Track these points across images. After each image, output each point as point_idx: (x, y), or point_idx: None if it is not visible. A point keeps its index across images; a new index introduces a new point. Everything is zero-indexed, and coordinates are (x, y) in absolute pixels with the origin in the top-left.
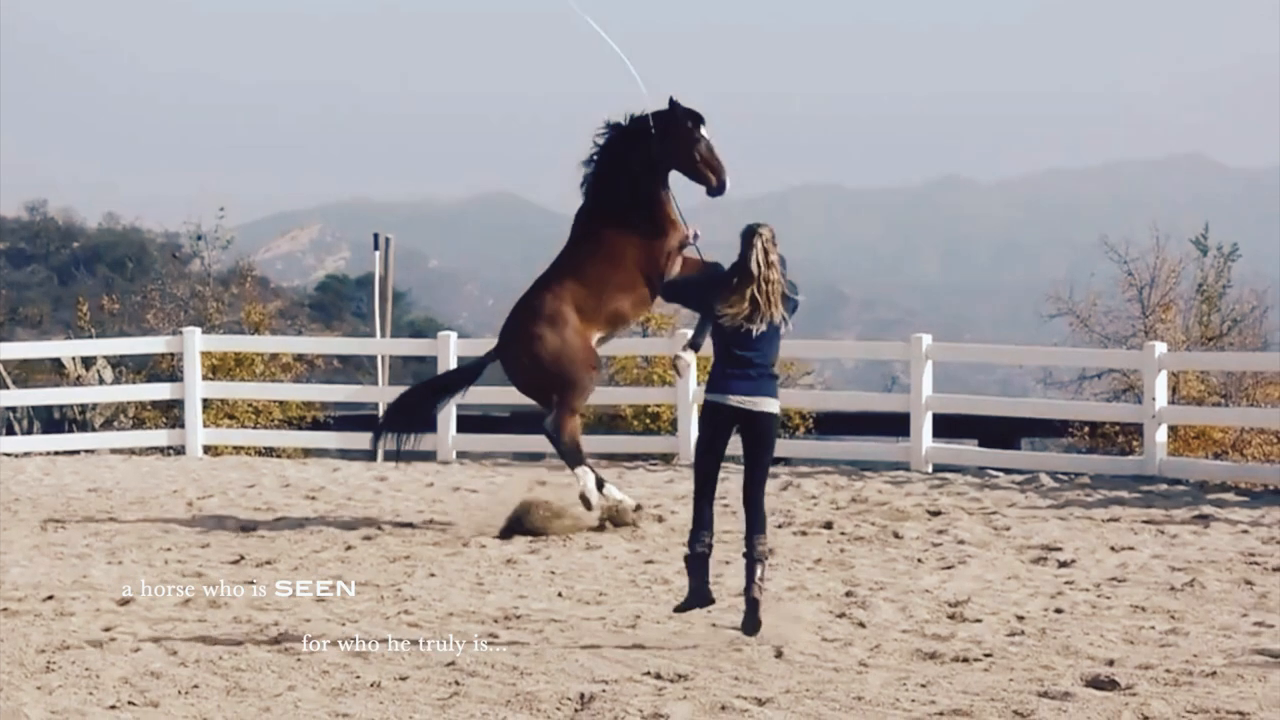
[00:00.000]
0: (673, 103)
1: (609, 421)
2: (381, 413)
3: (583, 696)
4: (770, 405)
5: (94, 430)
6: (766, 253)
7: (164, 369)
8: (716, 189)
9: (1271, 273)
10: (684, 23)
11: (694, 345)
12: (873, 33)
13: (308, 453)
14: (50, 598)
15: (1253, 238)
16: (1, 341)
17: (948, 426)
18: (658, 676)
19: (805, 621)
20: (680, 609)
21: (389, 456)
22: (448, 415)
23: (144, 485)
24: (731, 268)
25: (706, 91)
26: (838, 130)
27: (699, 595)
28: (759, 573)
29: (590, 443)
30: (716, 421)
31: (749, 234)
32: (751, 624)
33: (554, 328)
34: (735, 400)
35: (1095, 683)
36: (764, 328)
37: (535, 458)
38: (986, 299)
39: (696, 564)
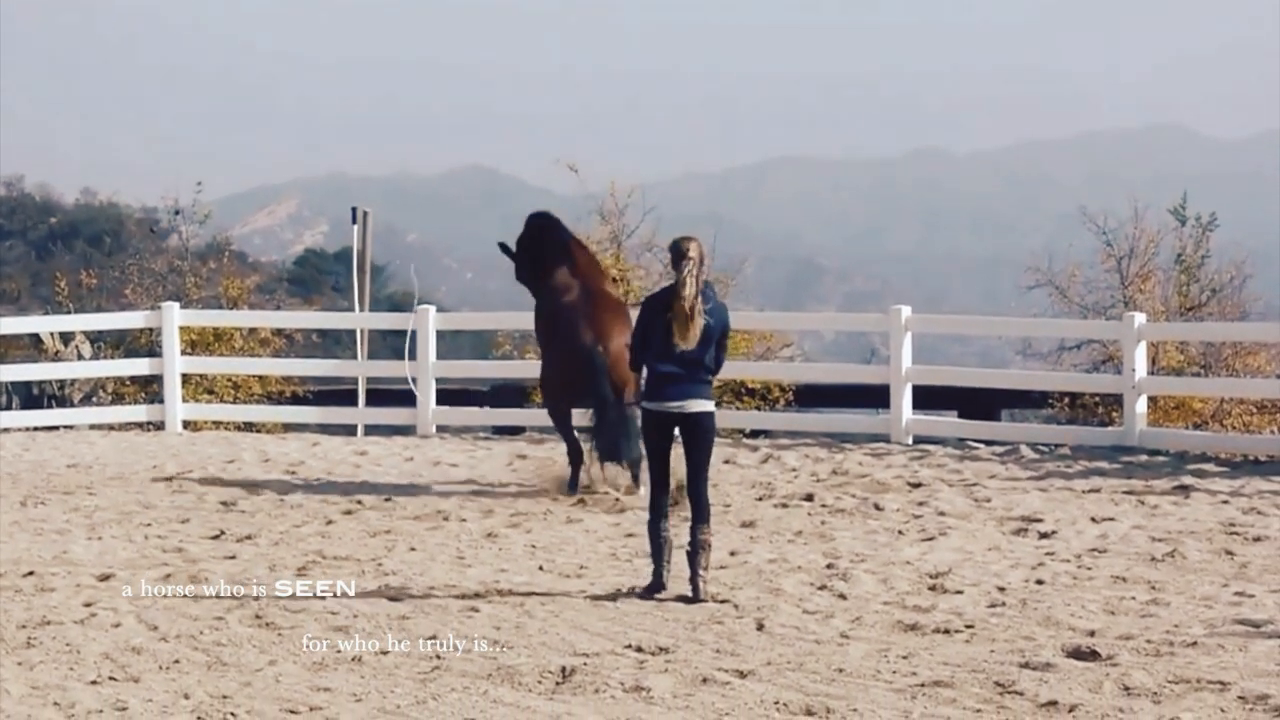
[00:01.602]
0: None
1: None
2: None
3: (564, 670)
4: (703, 405)
5: (73, 406)
6: (691, 277)
7: (143, 344)
8: None
9: (1250, 243)
10: None
11: (635, 367)
12: (849, 4)
13: (287, 427)
14: (30, 573)
15: (1231, 208)
16: None
17: (927, 398)
18: (639, 649)
19: (786, 594)
20: (644, 594)
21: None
22: (427, 389)
23: (123, 461)
24: (663, 292)
25: (682, 64)
26: (814, 101)
27: (658, 581)
28: (702, 561)
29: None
30: (657, 426)
31: (678, 256)
32: (696, 594)
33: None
34: (671, 406)
35: (1076, 653)
36: (681, 344)
37: (515, 431)
38: (965, 270)
39: (659, 551)
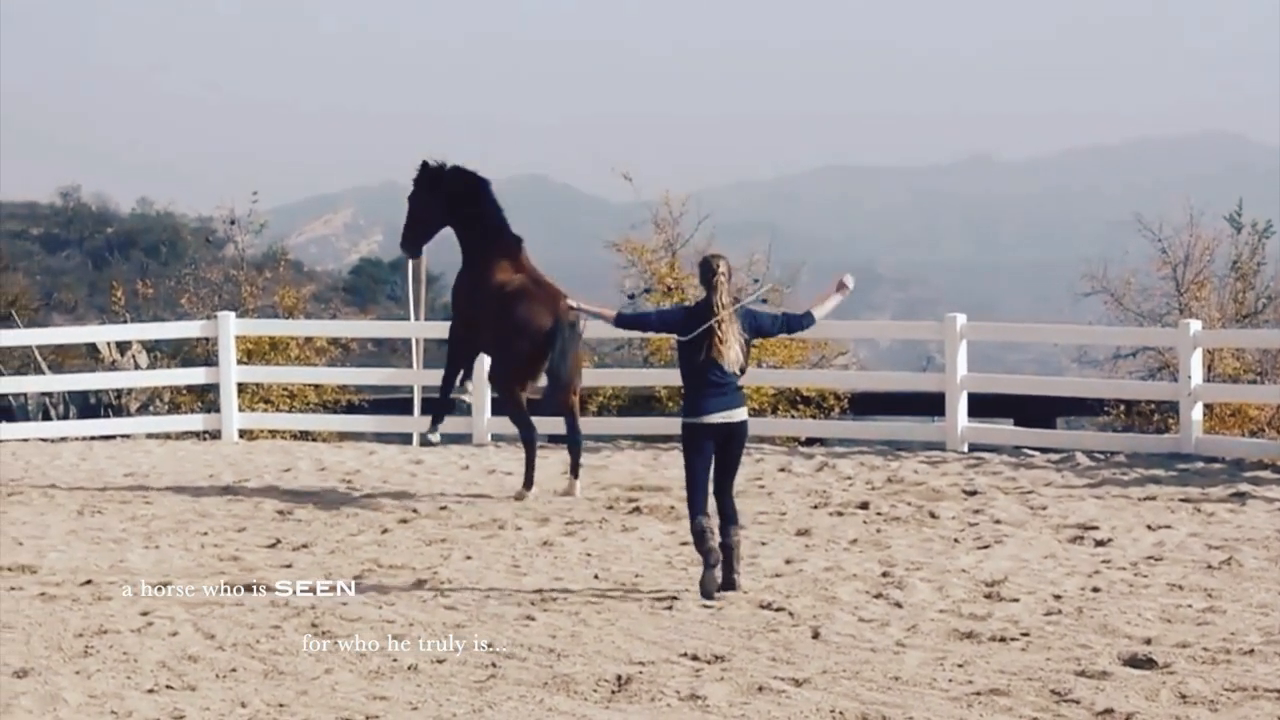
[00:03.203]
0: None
1: (644, 403)
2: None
3: (620, 678)
4: (742, 414)
5: (129, 415)
6: (725, 296)
7: (199, 354)
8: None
9: None
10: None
11: (620, 315)
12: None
13: (343, 436)
14: (88, 582)
15: None
16: (37, 327)
17: (983, 406)
18: (694, 658)
19: (841, 602)
20: (702, 573)
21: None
22: (482, 398)
23: (180, 470)
24: (696, 307)
25: (741, 71)
26: (868, 109)
27: (711, 573)
28: (736, 557)
29: (627, 424)
30: (698, 439)
31: (709, 274)
32: (729, 585)
33: None
34: (716, 418)
35: (1133, 661)
36: (721, 362)
37: None
38: (1020, 277)
39: (703, 540)
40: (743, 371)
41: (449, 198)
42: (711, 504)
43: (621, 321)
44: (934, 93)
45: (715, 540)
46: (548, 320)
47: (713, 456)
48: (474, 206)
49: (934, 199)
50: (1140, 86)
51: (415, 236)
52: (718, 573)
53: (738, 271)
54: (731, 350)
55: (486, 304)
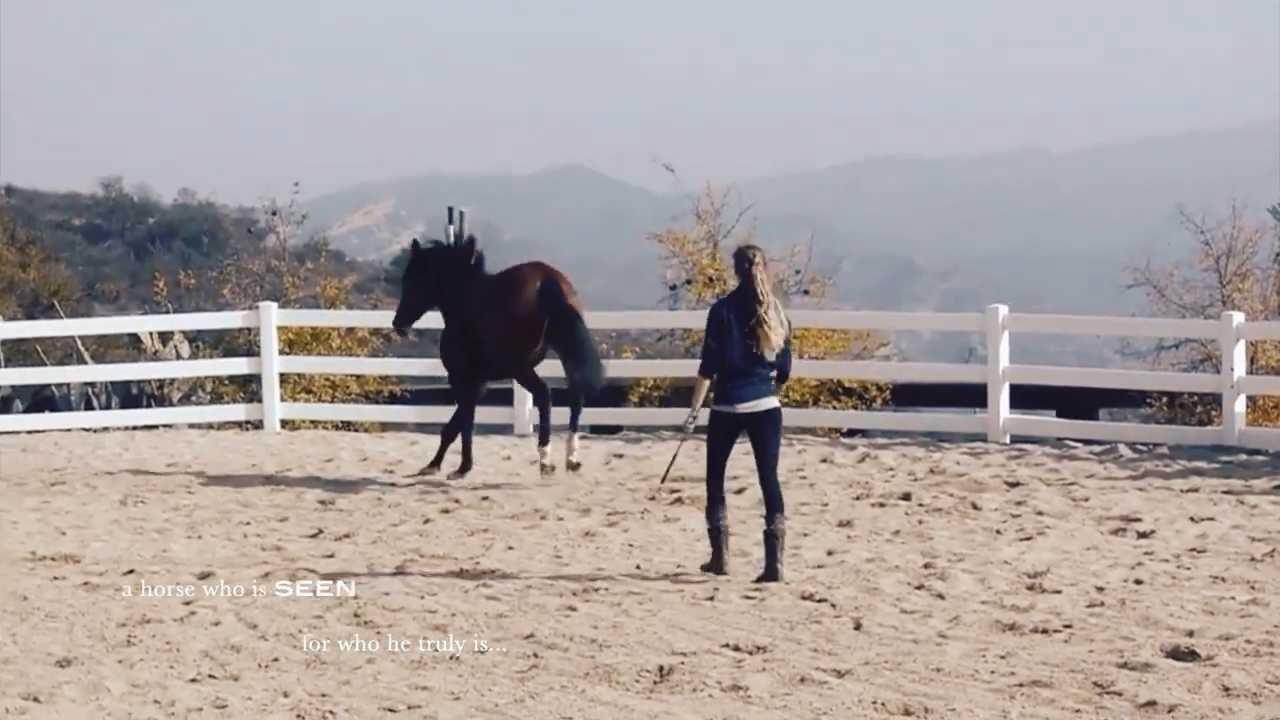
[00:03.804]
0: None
1: (686, 394)
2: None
3: (661, 669)
4: (771, 403)
5: (172, 405)
6: (764, 283)
7: (241, 344)
8: None
9: None
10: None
11: (707, 373)
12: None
13: (385, 426)
14: (131, 572)
15: None
16: (79, 317)
17: (1025, 397)
18: (736, 649)
19: (884, 593)
20: (704, 568)
21: None
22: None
23: (222, 460)
24: (733, 295)
25: (780, 63)
26: (914, 100)
27: (717, 563)
28: (780, 547)
29: (669, 415)
30: (725, 426)
31: (745, 264)
32: (771, 575)
33: None
34: (742, 408)
35: (1175, 653)
36: (764, 350)
37: (612, 430)
38: (1063, 269)
39: (717, 537)
40: (784, 369)
41: (437, 277)
42: (758, 493)
43: (708, 372)
44: (986, 85)
45: (726, 538)
46: (534, 294)
47: (732, 448)
48: (459, 272)
49: (983, 191)
50: (1192, 78)
51: (407, 317)
52: (726, 562)
53: (779, 262)
54: (776, 335)
55: (474, 305)
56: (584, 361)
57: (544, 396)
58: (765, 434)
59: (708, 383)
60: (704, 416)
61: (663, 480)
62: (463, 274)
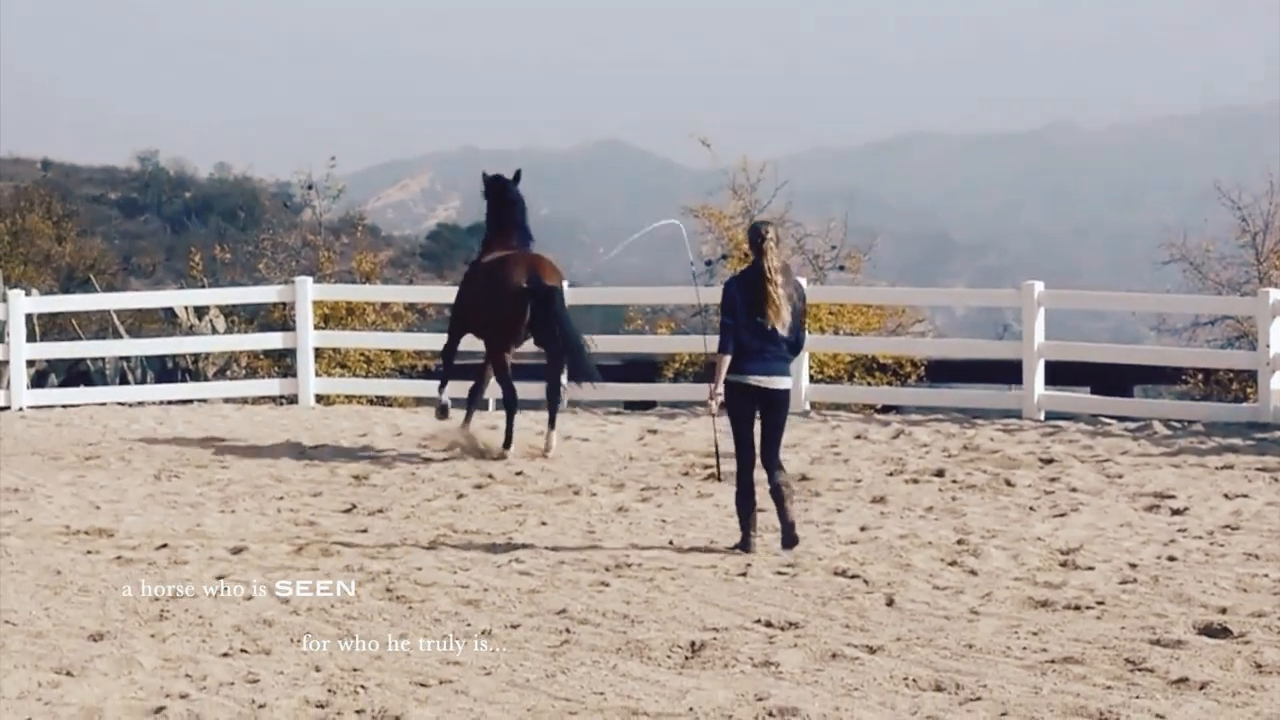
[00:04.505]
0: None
1: None
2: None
3: (694, 644)
4: (784, 383)
5: (207, 380)
6: (775, 259)
7: (276, 318)
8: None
9: None
10: None
11: (725, 349)
12: None
13: (419, 401)
14: (164, 546)
15: None
16: (115, 291)
17: (1060, 374)
18: (768, 624)
19: (916, 569)
20: (732, 548)
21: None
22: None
23: (256, 434)
24: (745, 272)
25: (816, 42)
26: (948, 76)
27: (745, 544)
28: (789, 508)
29: (702, 391)
30: (741, 397)
31: (758, 240)
32: (790, 540)
33: None
34: (753, 380)
35: (1208, 630)
36: (775, 324)
37: (646, 406)
38: (1098, 245)
39: (745, 519)
40: (797, 342)
41: (489, 202)
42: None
43: (725, 348)
44: (1020, 61)
45: (754, 518)
46: (522, 277)
47: (755, 421)
48: (495, 206)
49: (1017, 166)
50: (1226, 53)
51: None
52: (753, 541)
53: (814, 237)
54: (783, 312)
55: (474, 280)
56: (569, 347)
57: (512, 398)
58: (774, 412)
59: (728, 358)
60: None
61: (719, 477)
62: (498, 219)
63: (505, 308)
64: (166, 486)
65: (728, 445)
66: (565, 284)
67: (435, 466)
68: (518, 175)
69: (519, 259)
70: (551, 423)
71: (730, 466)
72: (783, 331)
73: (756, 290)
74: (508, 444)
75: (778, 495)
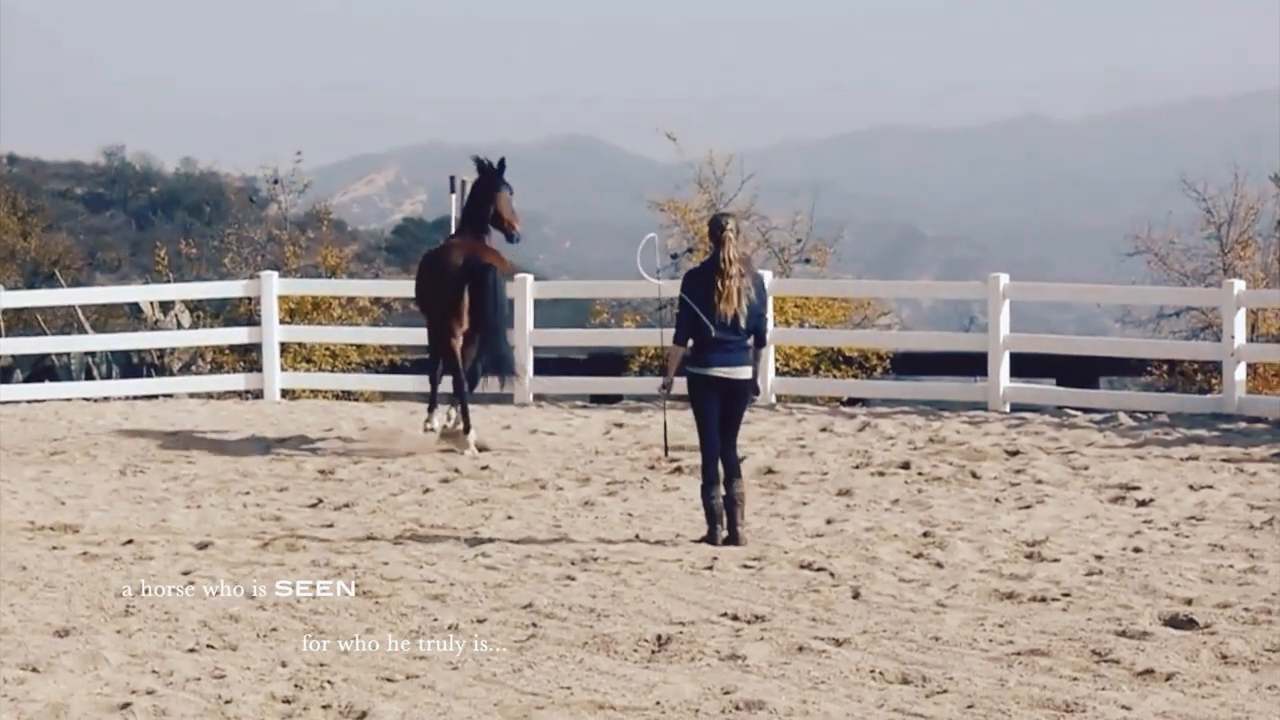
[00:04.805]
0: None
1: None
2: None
3: (660, 638)
4: (744, 373)
5: (172, 375)
6: (732, 250)
7: (241, 313)
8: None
9: None
10: None
11: (679, 341)
12: None
13: (385, 396)
14: (130, 541)
15: None
16: (80, 286)
17: (1025, 366)
18: (735, 618)
19: (882, 562)
20: (700, 540)
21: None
22: (525, 358)
23: (222, 429)
24: (704, 264)
25: (783, 33)
26: (918, 68)
27: (712, 537)
28: (740, 513)
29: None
30: (704, 390)
31: (718, 231)
32: (734, 539)
33: None
34: (716, 372)
35: (1174, 621)
36: (732, 316)
37: (612, 400)
38: (1064, 238)
39: (711, 511)
40: (760, 333)
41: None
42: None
43: (680, 340)
44: (987, 55)
45: (720, 513)
46: (460, 258)
47: (718, 414)
48: (473, 197)
49: (985, 160)
50: (1196, 46)
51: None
52: (719, 533)
53: (781, 230)
54: (734, 305)
55: (421, 269)
56: (488, 326)
57: (461, 385)
58: (733, 403)
59: (681, 351)
60: (682, 385)
61: (666, 454)
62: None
63: (445, 290)
64: (132, 482)
65: (676, 427)
66: (521, 276)
67: (401, 461)
68: (502, 164)
69: (461, 245)
70: (464, 411)
71: (688, 456)
72: (742, 323)
73: (712, 282)
74: (466, 429)
75: (730, 504)
